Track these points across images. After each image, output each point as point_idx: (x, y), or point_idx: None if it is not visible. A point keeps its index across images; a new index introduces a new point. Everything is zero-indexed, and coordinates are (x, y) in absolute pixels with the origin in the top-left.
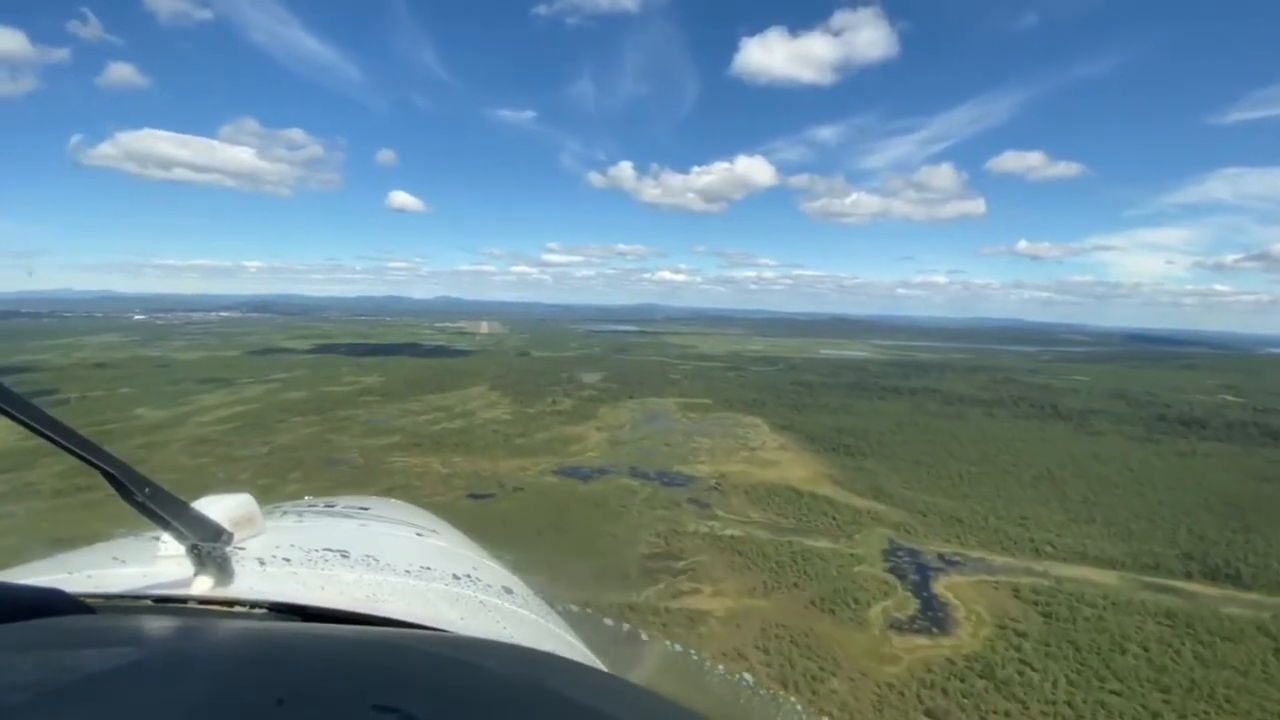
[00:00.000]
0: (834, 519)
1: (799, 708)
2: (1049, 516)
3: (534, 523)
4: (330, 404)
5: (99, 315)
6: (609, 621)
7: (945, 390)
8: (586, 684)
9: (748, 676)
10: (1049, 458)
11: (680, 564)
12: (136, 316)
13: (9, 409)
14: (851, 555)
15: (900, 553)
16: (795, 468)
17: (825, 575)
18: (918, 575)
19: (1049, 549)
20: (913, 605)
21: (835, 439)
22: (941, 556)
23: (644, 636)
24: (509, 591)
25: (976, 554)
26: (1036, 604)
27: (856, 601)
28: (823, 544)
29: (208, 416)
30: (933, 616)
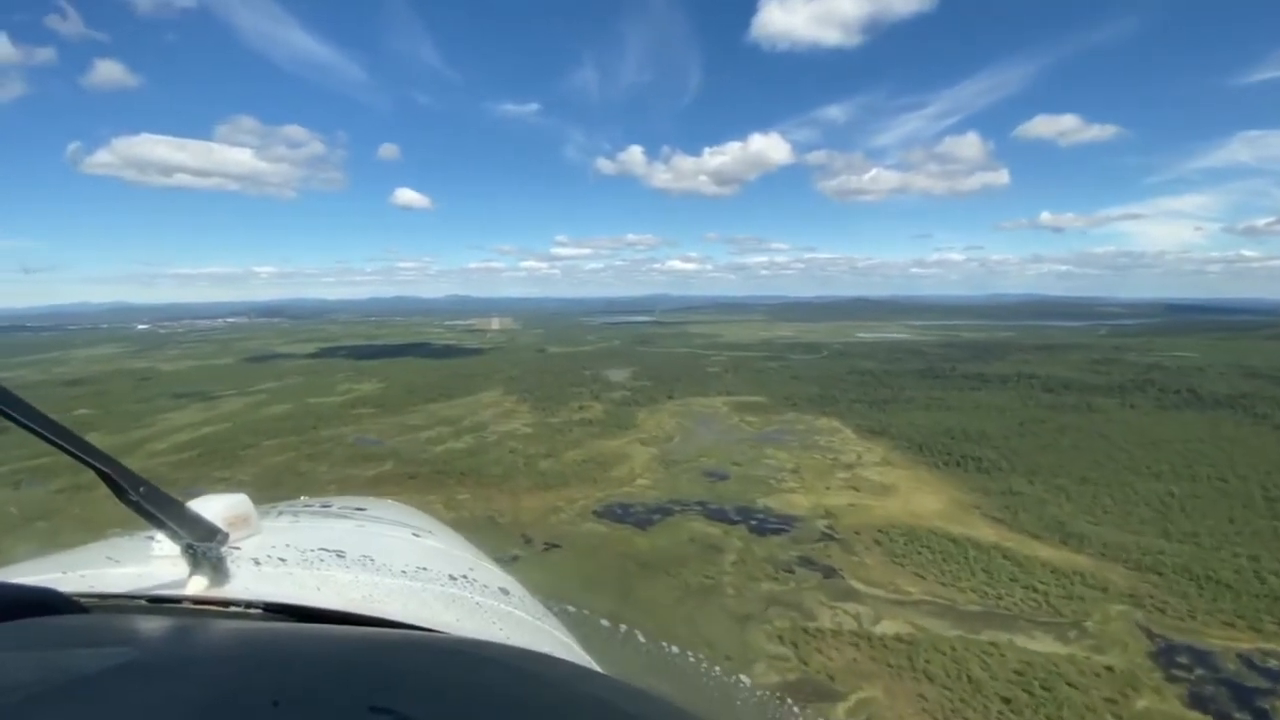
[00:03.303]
0: (1033, 589)
1: None
2: None
3: (579, 615)
4: (315, 420)
5: (104, 327)
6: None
7: (1043, 375)
8: (582, 685)
9: None
10: (1259, 467)
11: (839, 710)
12: (140, 326)
13: (7, 410)
14: (1108, 669)
15: (1179, 657)
16: (921, 494)
17: None
18: (1248, 714)
19: None
20: None
21: (951, 447)
22: (1249, 662)
23: None
24: (505, 593)
25: None
26: None
27: None
28: (1049, 645)
29: (164, 443)
30: None
